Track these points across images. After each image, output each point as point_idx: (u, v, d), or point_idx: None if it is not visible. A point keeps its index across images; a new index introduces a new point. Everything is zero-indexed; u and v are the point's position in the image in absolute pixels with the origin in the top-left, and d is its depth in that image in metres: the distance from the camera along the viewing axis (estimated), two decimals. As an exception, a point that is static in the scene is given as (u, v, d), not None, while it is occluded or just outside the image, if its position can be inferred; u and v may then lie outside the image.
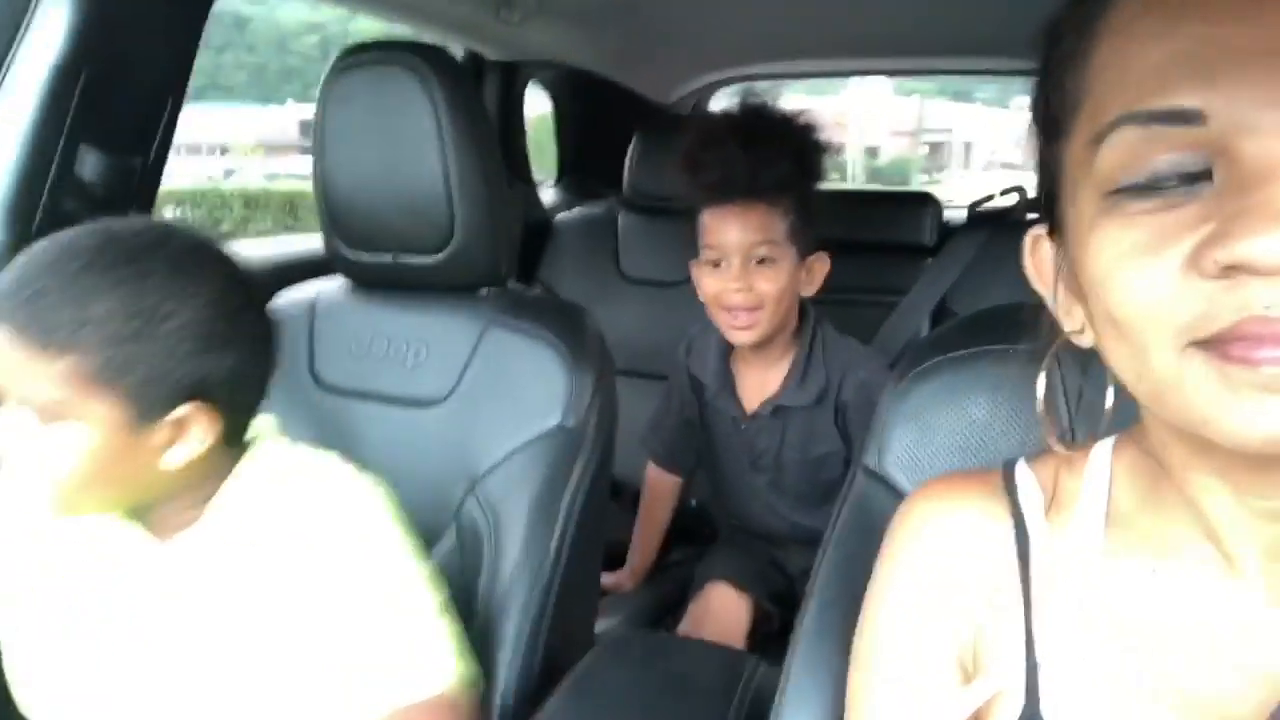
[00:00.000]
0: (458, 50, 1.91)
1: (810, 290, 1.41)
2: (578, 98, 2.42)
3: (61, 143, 1.05)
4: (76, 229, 0.75)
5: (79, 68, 1.05)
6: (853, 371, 1.40)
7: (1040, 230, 0.51)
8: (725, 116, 1.41)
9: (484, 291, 1.12)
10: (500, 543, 0.98)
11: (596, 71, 2.20)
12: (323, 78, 1.06)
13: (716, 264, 1.36)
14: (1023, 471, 0.57)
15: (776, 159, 1.33)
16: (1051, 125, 0.47)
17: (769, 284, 1.34)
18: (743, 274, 1.34)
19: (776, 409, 1.42)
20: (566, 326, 1.08)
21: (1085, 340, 0.48)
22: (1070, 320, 0.50)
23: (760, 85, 2.59)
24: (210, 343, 0.75)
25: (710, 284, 1.38)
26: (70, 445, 0.72)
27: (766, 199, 1.33)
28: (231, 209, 11.32)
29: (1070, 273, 0.47)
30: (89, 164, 1.07)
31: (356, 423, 1.08)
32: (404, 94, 1.02)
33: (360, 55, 1.04)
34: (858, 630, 0.60)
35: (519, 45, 1.91)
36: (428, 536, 1.01)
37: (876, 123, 25.59)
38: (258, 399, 0.84)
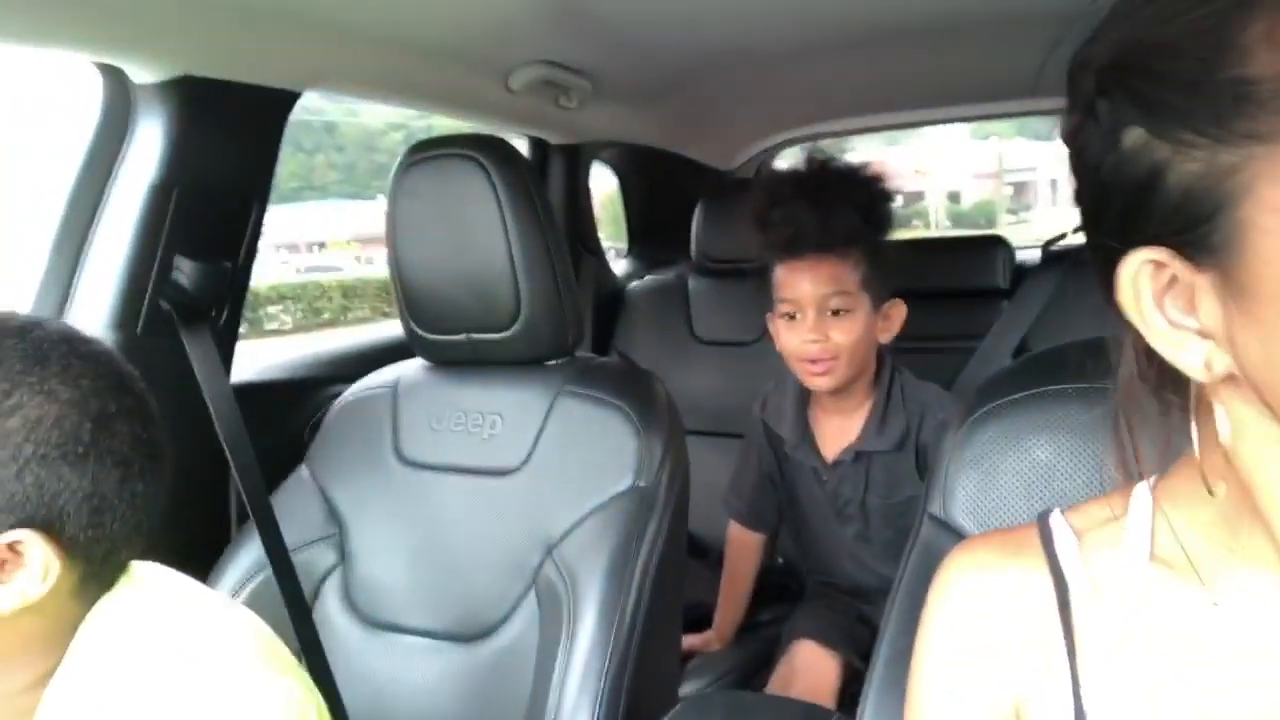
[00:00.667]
0: (523, 138, 2.00)
1: (887, 336, 1.42)
2: (641, 172, 2.49)
3: (159, 253, 1.14)
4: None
5: (172, 185, 1.15)
6: (931, 414, 1.39)
7: (1152, 254, 0.44)
8: (792, 173, 1.44)
9: (553, 362, 1.16)
10: (578, 604, 0.99)
11: (657, 146, 2.26)
12: (391, 175, 1.13)
13: (792, 316, 1.39)
14: (1058, 521, 0.56)
15: (844, 211, 1.35)
16: (1218, 125, 0.40)
17: (844, 334, 1.36)
18: (818, 325, 1.36)
19: (858, 455, 1.42)
20: (634, 390, 1.11)
21: (1200, 373, 0.45)
22: (1184, 352, 0.45)
23: (827, 140, 2.63)
24: (63, 454, 0.59)
25: (787, 337, 1.40)
26: None
27: (837, 251, 1.35)
28: (331, 299, 11.85)
29: (1220, 300, 0.43)
30: (185, 270, 1.16)
31: (437, 494, 1.12)
32: (467, 183, 1.08)
33: (425, 150, 1.11)
34: (906, 699, 0.60)
35: (580, 129, 1.99)
36: (508, 605, 1.05)
37: (957, 166, 25.29)
38: (128, 539, 0.65)
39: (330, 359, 1.61)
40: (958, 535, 0.73)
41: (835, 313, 1.36)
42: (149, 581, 0.68)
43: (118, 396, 0.63)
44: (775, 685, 1.40)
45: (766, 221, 1.39)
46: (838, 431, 1.45)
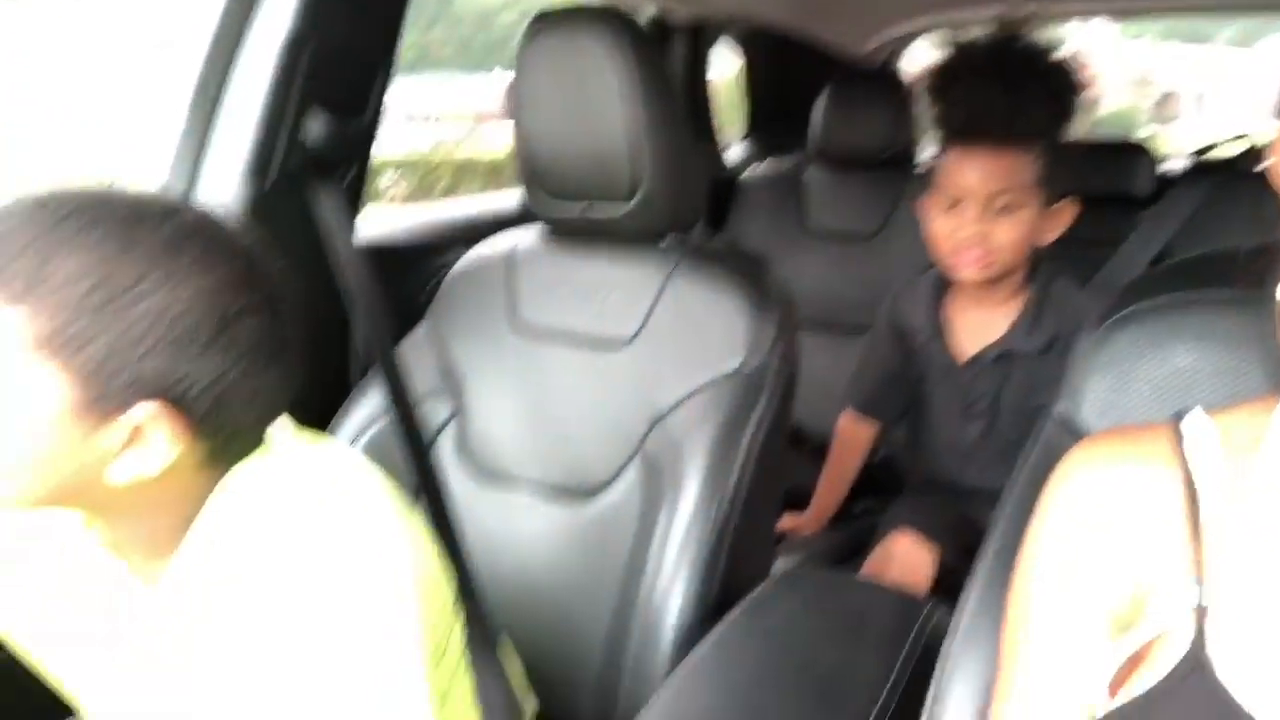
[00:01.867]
0: (644, 14, 1.94)
1: (1050, 238, 1.32)
2: (767, 53, 2.40)
3: (292, 108, 1.17)
4: (83, 186, 0.64)
5: (305, 40, 1.16)
6: (1086, 314, 1.31)
7: None
8: (979, 48, 1.29)
9: (669, 239, 1.15)
10: (681, 476, 1.02)
11: (782, 25, 2.17)
12: (518, 43, 1.12)
13: (953, 204, 1.29)
14: (1195, 422, 0.55)
15: (1035, 98, 1.23)
16: None
17: (1006, 234, 1.26)
18: (980, 219, 1.26)
19: (1000, 355, 1.36)
20: (749, 273, 1.11)
21: None
22: None
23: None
24: (192, 339, 0.61)
25: (941, 224, 1.30)
26: (9, 415, 0.60)
27: (1019, 144, 1.24)
28: (443, 175, 11.99)
29: None
30: (315, 127, 1.18)
31: (548, 360, 1.15)
32: (591, 52, 1.06)
33: (550, 20, 1.10)
34: (1011, 587, 0.59)
35: (705, 2, 1.92)
36: (613, 468, 1.08)
37: (1098, 70, 23.65)
38: (253, 425, 0.68)
39: (449, 225, 1.63)
40: (1081, 438, 0.72)
41: (1002, 209, 1.26)
42: (281, 447, 0.70)
43: (249, 290, 0.64)
44: (868, 571, 1.41)
45: (943, 97, 1.28)
46: (979, 327, 1.38)
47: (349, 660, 0.63)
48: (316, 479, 0.69)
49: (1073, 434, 0.72)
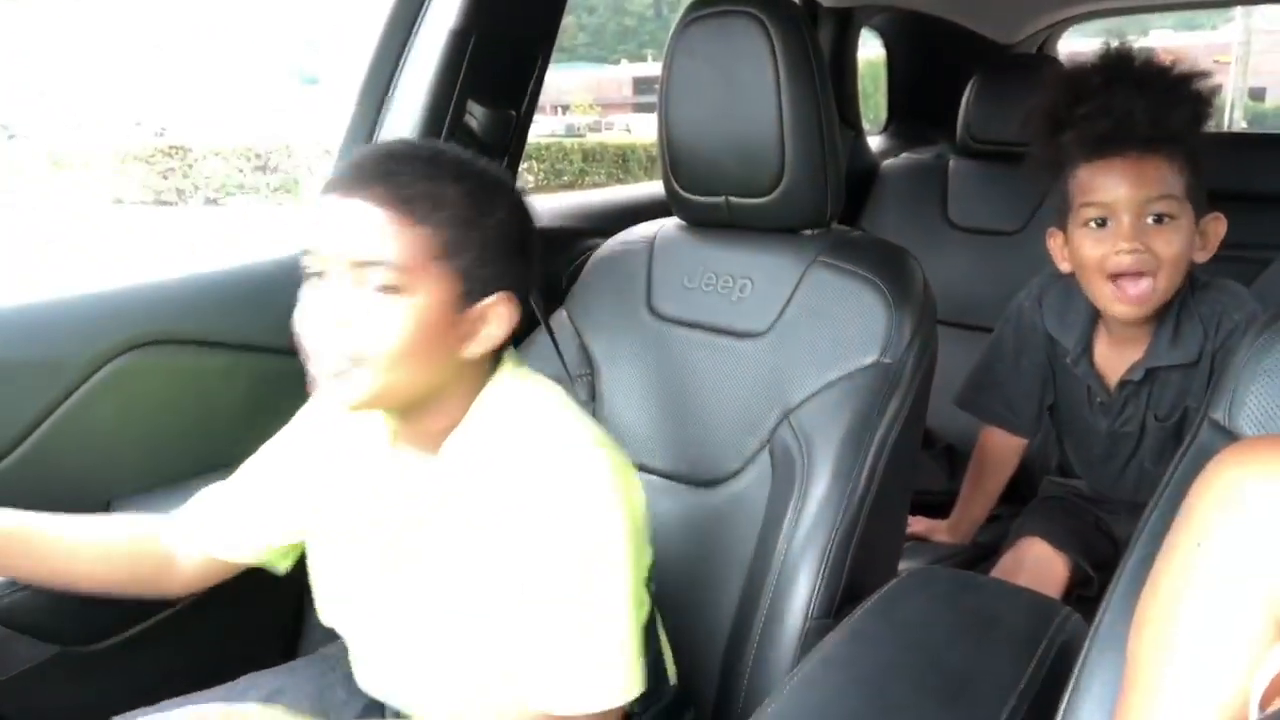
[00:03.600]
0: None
1: (1204, 256, 1.25)
2: (912, 41, 2.36)
3: (455, 97, 1.23)
4: (393, 141, 0.87)
5: (470, 32, 1.21)
6: (1228, 316, 1.25)
7: None
8: (1098, 62, 1.25)
9: (809, 232, 1.16)
10: (812, 469, 1.02)
11: (933, 13, 2.13)
12: (671, 32, 1.14)
13: (1101, 223, 1.23)
14: None
15: (1177, 103, 1.19)
16: None
17: (1167, 246, 1.20)
18: (1136, 234, 1.20)
19: (1147, 372, 1.30)
20: (890, 266, 1.10)
21: None
22: None
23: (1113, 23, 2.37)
24: (517, 247, 0.83)
25: (1091, 248, 1.23)
26: (405, 314, 0.77)
27: (1164, 150, 1.20)
28: (571, 162, 12.20)
29: None
30: (475, 116, 1.24)
31: (684, 349, 1.17)
32: (745, 42, 1.07)
33: (707, 7, 1.11)
34: (1149, 596, 0.58)
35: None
36: (742, 458, 1.09)
37: (1266, 60, 22.02)
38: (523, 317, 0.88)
39: (589, 212, 1.68)
40: (1237, 444, 0.69)
41: (1158, 220, 1.20)
42: (524, 372, 0.90)
43: (529, 217, 0.88)
44: (997, 575, 1.38)
45: (1068, 118, 1.23)
46: (1122, 344, 1.32)
47: (587, 568, 0.80)
48: (565, 404, 0.88)
49: (1230, 438, 0.70)
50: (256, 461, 0.99)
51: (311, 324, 0.79)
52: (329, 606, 0.95)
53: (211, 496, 0.99)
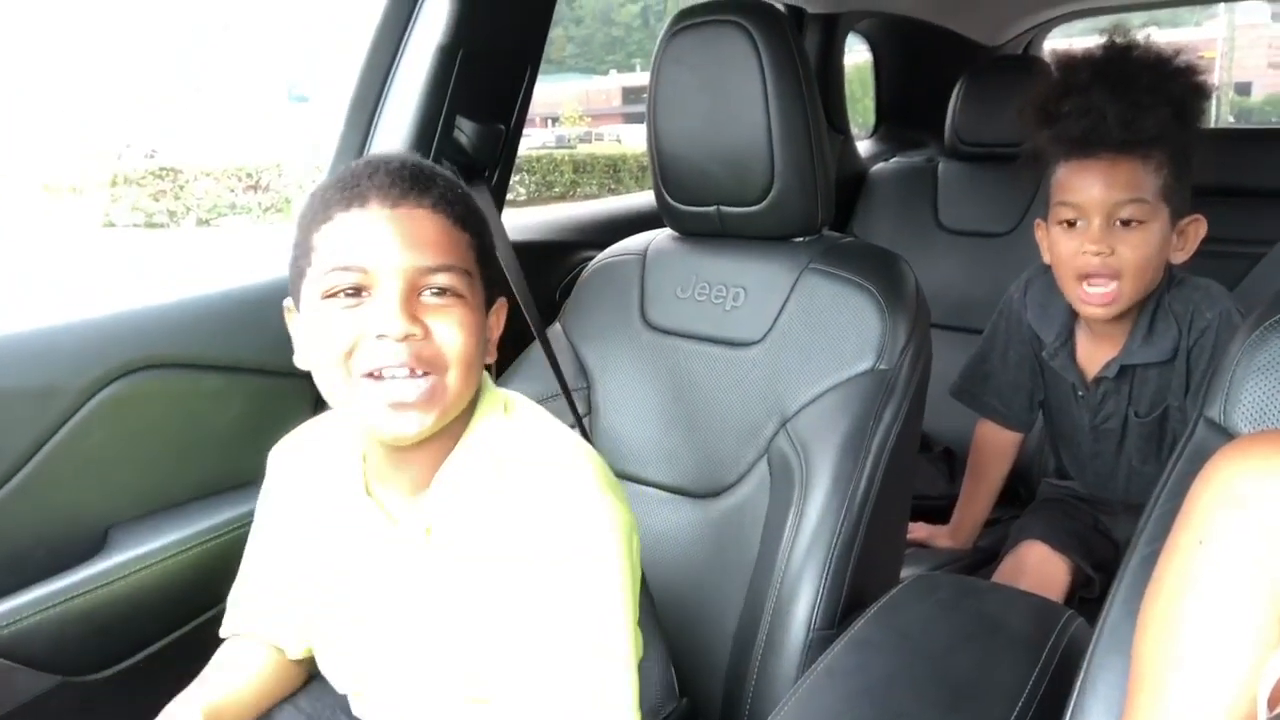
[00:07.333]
0: (778, 4, 1.94)
1: (1182, 256, 1.26)
2: (898, 45, 2.37)
3: (444, 113, 1.23)
4: (398, 153, 0.89)
5: (457, 47, 1.22)
6: (1200, 313, 1.25)
7: None
8: (1089, 57, 1.26)
9: (800, 239, 1.16)
10: (810, 477, 1.02)
11: (918, 17, 2.13)
12: (658, 42, 1.14)
13: (1072, 223, 1.24)
14: None
15: (1153, 105, 1.19)
16: None
17: (1132, 250, 1.21)
18: (1104, 236, 1.21)
19: (1123, 369, 1.30)
20: (882, 271, 1.10)
21: None
22: None
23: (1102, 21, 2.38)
24: (491, 255, 0.83)
25: (1063, 245, 1.25)
26: (467, 315, 0.76)
27: (1139, 152, 1.20)
28: (562, 173, 12.23)
29: None
30: (465, 131, 1.24)
31: (679, 360, 1.17)
32: (732, 51, 1.08)
33: (693, 17, 1.12)
34: (1152, 597, 0.58)
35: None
36: (740, 469, 1.09)
37: (1250, 55, 22.15)
38: None
39: (581, 225, 1.68)
40: (1235, 441, 0.69)
41: (1125, 223, 1.21)
42: (515, 399, 0.87)
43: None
44: (999, 579, 1.38)
45: (1054, 112, 1.24)
46: (1099, 339, 1.34)
47: (587, 598, 0.76)
48: (563, 434, 0.85)
49: (1226, 437, 0.70)
50: (260, 551, 0.95)
51: (373, 341, 0.73)
52: (326, 662, 0.92)
53: (253, 599, 0.95)
